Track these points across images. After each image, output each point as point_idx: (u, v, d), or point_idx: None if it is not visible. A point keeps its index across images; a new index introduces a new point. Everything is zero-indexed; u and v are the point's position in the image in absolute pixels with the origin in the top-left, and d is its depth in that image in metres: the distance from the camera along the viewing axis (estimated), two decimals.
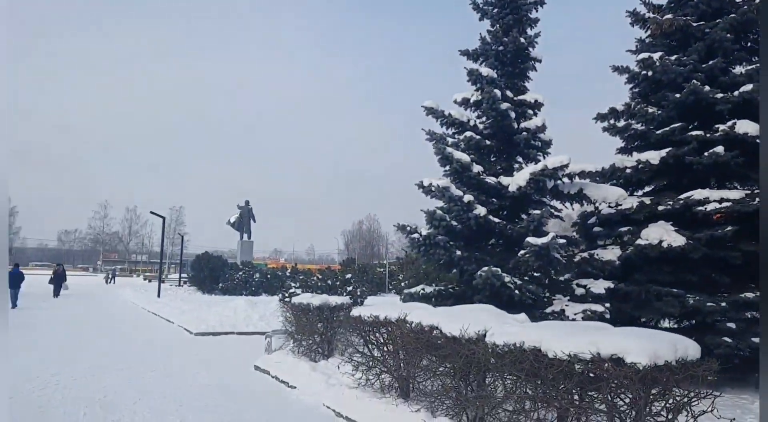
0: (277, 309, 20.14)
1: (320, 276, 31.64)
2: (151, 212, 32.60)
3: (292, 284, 31.57)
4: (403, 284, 29.74)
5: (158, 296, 30.78)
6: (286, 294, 30.61)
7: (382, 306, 9.12)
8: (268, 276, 41.84)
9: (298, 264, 58.58)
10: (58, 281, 33.06)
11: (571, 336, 5.34)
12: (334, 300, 11.62)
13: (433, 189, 11.49)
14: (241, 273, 40.57)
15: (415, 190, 11.83)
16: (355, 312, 9.29)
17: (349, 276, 33.41)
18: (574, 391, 5.44)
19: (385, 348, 8.46)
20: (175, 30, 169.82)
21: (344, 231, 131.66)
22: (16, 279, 23.58)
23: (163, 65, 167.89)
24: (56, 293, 32.41)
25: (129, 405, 8.36)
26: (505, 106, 12.63)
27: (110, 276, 66.14)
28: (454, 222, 11.71)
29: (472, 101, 13.16)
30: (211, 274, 40.69)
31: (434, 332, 7.20)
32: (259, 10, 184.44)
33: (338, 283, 29.93)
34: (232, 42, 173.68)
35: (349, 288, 28.71)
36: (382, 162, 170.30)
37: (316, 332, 11.50)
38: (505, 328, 6.29)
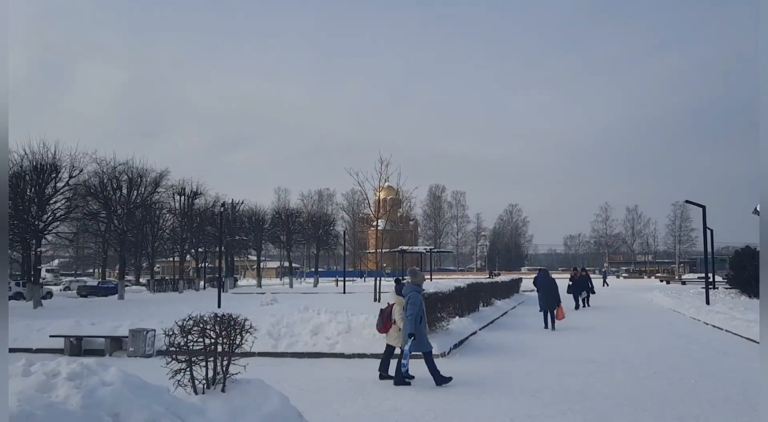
0: None
1: None
2: (687, 201, 27.43)
3: None
4: None
5: (707, 303, 25.22)
6: None
7: None
8: None
9: None
10: (578, 289, 27.81)
11: None
12: None
13: None
14: None
15: None
16: None
17: None
18: None
19: None
20: None
21: None
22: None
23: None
24: (577, 305, 27.31)
25: None
26: None
27: (604, 276, 62.93)
28: None
29: None
30: (758, 273, 32.85)
31: None
32: None
33: None
34: None
35: None
36: None
37: None
38: None
